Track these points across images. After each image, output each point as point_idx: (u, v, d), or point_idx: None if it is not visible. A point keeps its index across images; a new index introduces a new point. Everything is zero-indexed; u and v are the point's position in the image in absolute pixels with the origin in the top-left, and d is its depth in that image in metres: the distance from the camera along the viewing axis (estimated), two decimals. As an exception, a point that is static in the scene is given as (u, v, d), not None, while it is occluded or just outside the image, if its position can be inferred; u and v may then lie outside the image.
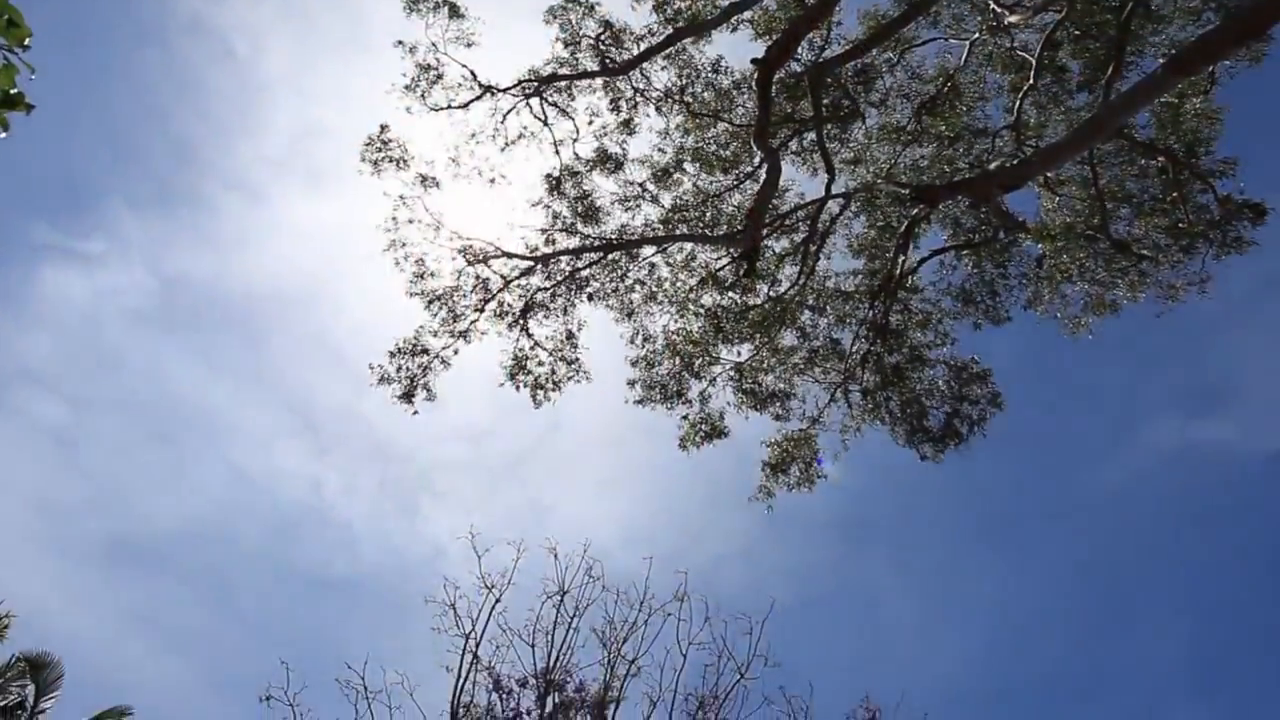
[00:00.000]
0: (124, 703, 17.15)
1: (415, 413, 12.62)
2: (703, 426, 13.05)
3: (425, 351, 12.84)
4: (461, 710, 11.14)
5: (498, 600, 11.90)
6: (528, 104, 13.78)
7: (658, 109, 14.07)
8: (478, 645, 11.64)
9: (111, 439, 35.32)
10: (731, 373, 13.15)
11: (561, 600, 12.22)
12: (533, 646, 11.89)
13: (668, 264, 13.96)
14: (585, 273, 13.73)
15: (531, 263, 13.52)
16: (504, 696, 11.57)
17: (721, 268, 13.60)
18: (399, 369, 12.54)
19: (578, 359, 13.17)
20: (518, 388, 12.99)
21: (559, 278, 13.62)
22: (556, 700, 11.55)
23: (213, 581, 37.58)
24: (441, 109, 13.44)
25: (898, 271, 12.53)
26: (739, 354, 13.20)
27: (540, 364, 13.11)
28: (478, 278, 13.23)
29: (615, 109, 13.98)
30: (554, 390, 13.10)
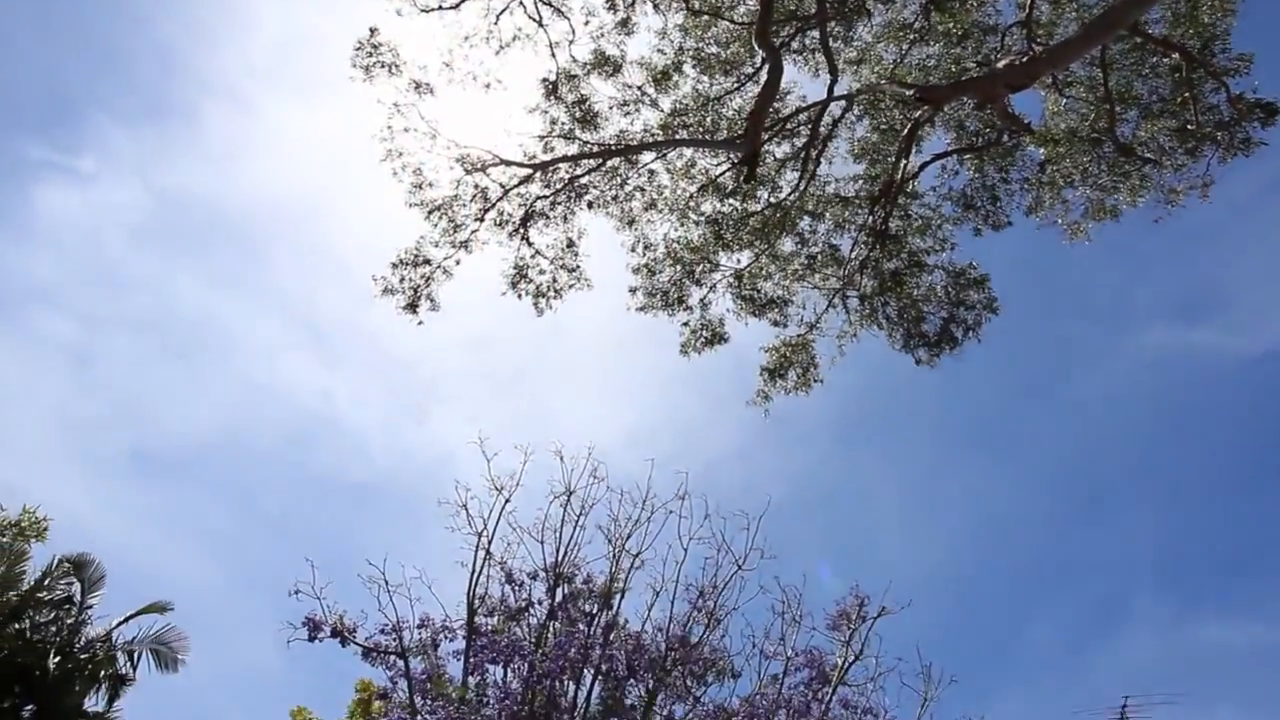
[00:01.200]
0: (162, 599, 18.25)
1: (420, 323, 12.85)
2: (703, 333, 13.29)
3: (427, 262, 12.91)
4: (477, 601, 11.89)
5: (507, 501, 12.48)
6: (521, 3, 13.30)
7: (656, 7, 13.57)
8: (489, 543, 12.29)
9: (124, 355, 35.79)
10: (731, 280, 13.29)
11: (568, 500, 12.81)
12: (542, 543, 12.56)
13: (667, 170, 13.84)
14: (584, 180, 13.63)
15: (530, 170, 13.40)
16: (516, 588, 12.32)
17: (722, 174, 13.49)
18: (402, 280, 12.67)
19: (578, 267, 13.27)
20: (519, 296, 13.16)
21: (558, 185, 13.53)
22: (566, 591, 12.31)
23: (235, 488, 38.95)
24: (432, 9, 12.97)
25: (899, 176, 12.45)
26: (739, 261, 13.31)
27: (541, 272, 13.23)
28: (476, 187, 13.16)
29: (612, 7, 13.48)
30: (555, 298, 13.27)
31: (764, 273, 13.20)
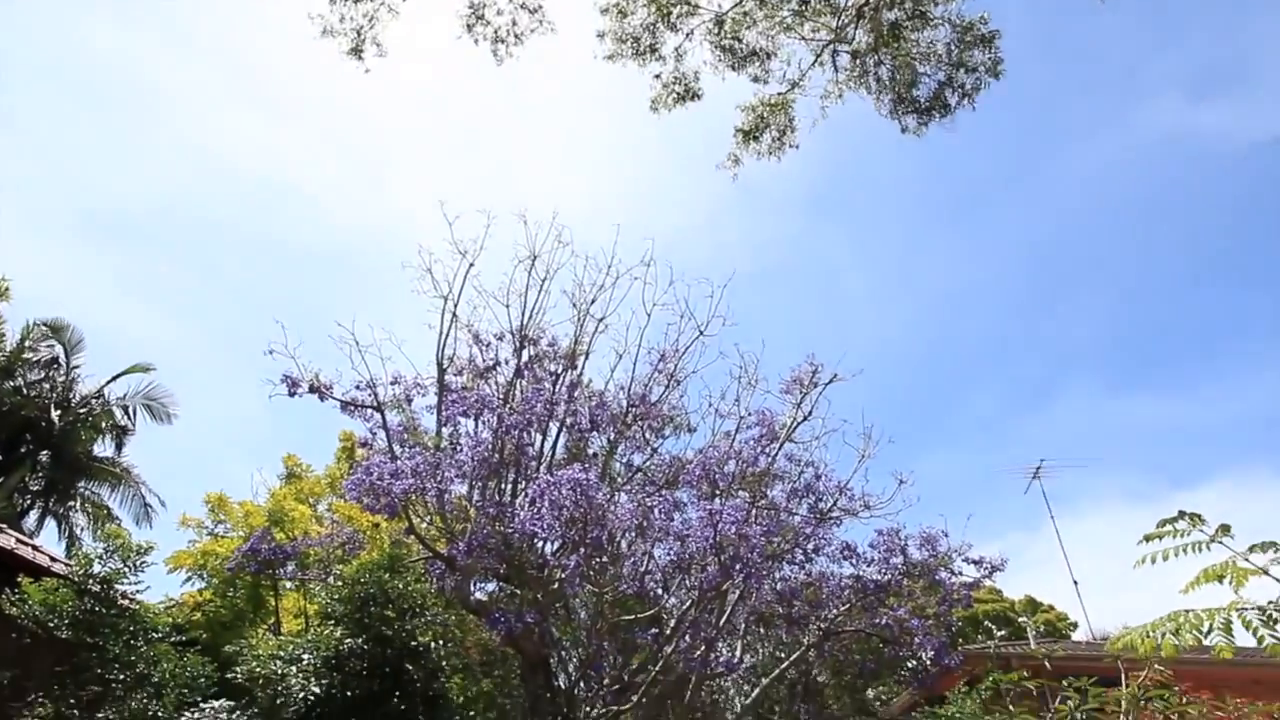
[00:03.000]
0: (143, 361, 19.07)
1: (367, 71, 11.70)
2: (675, 87, 12.20)
3: (369, -5, 11.40)
4: (446, 361, 12.43)
5: (471, 265, 12.48)
6: None
7: None
8: (455, 306, 12.52)
9: (48, 112, 32.96)
10: (711, 26, 11.86)
11: (533, 265, 12.82)
12: (507, 307, 12.81)
13: (646, -119, 11.62)
14: (548, -109, 11.52)
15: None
16: (483, 349, 12.84)
17: (710, -112, 11.37)
18: (342, 19, 11.27)
19: (540, 7, 11.76)
20: (476, 41, 11.82)
21: (517, -102, 11.47)
22: (531, 353, 12.84)
23: (196, 256, 38.57)
24: None
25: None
26: (721, 4, 11.76)
27: (500, 13, 11.75)
28: (420, -103, 11.15)
29: None
30: (516, 44, 11.93)
31: (749, 20, 11.74)
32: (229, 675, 7.98)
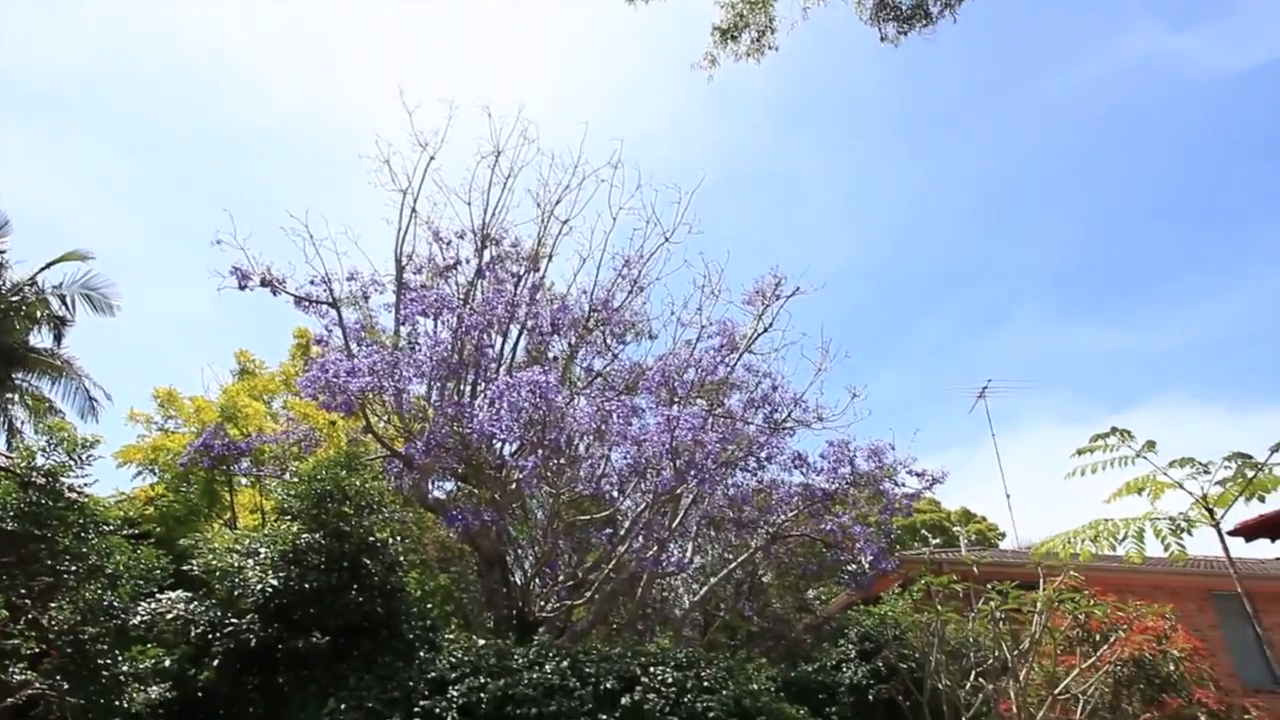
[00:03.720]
0: (80, 248, 18.01)
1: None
2: (653, -23, 11.54)
3: None
4: (405, 259, 12.09)
5: (432, 159, 11.98)
6: None
7: None
8: (415, 201, 12.08)
9: None
10: (693, -90, 11.12)
11: (496, 161, 12.36)
12: (469, 204, 12.41)
13: None
14: None
15: None
16: (443, 247, 12.49)
17: None
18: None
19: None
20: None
21: None
22: (493, 253, 12.54)
23: (135, 135, 35.94)
24: None
25: None
26: (704, -113, 10.98)
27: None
28: None
29: None
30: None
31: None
32: (185, 568, 8.00)
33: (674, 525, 11.80)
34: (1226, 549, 8.45)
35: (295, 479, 8.51)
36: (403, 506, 11.07)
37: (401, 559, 8.42)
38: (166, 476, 11.82)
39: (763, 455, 12.14)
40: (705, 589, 13.76)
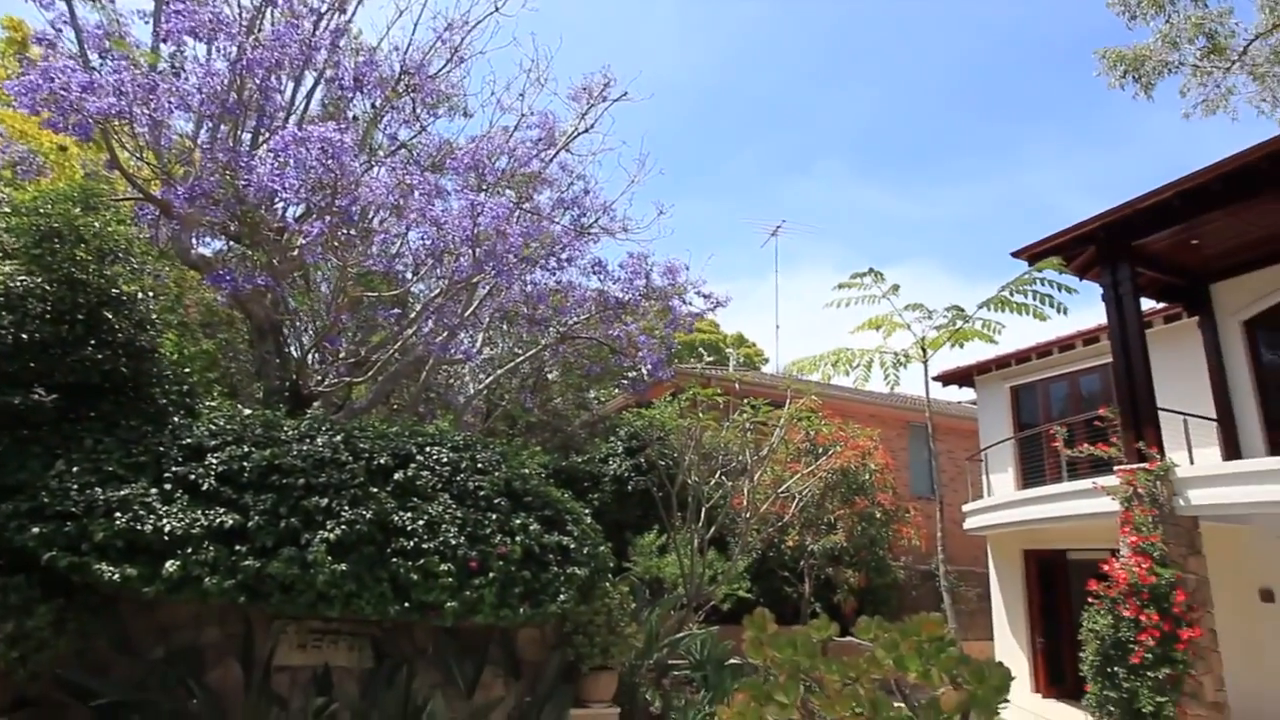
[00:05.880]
0: None
1: None
2: None
3: None
4: (166, -43, 9.78)
5: None
6: None
7: None
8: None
9: None
10: None
11: None
12: (257, -96, 10.12)
13: None
14: None
15: None
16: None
17: None
18: None
19: None
20: None
21: None
22: (285, -24, 10.53)
23: None
24: None
25: None
26: None
27: None
28: None
29: None
30: None
31: None
32: None
33: (467, 314, 11.69)
34: (927, 386, 10.19)
35: (8, 210, 7.11)
36: (158, 260, 9.84)
37: (155, 318, 7.56)
38: None
39: (564, 256, 12.15)
40: (491, 379, 14.08)
